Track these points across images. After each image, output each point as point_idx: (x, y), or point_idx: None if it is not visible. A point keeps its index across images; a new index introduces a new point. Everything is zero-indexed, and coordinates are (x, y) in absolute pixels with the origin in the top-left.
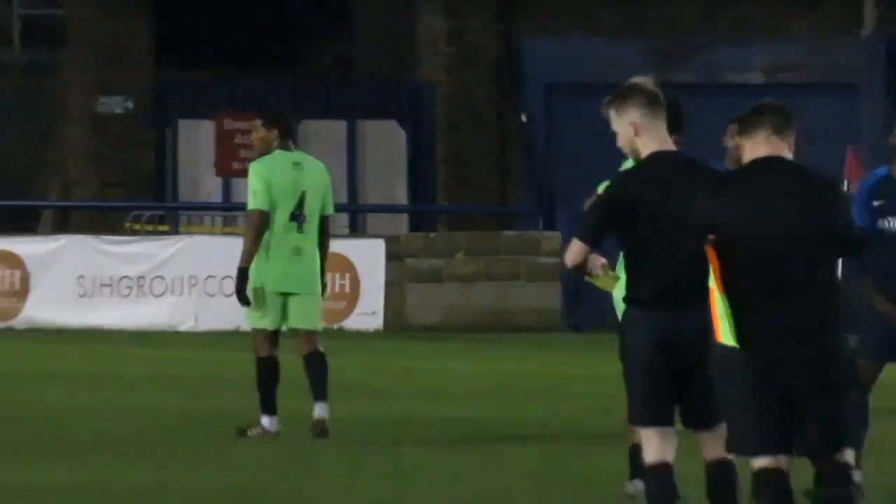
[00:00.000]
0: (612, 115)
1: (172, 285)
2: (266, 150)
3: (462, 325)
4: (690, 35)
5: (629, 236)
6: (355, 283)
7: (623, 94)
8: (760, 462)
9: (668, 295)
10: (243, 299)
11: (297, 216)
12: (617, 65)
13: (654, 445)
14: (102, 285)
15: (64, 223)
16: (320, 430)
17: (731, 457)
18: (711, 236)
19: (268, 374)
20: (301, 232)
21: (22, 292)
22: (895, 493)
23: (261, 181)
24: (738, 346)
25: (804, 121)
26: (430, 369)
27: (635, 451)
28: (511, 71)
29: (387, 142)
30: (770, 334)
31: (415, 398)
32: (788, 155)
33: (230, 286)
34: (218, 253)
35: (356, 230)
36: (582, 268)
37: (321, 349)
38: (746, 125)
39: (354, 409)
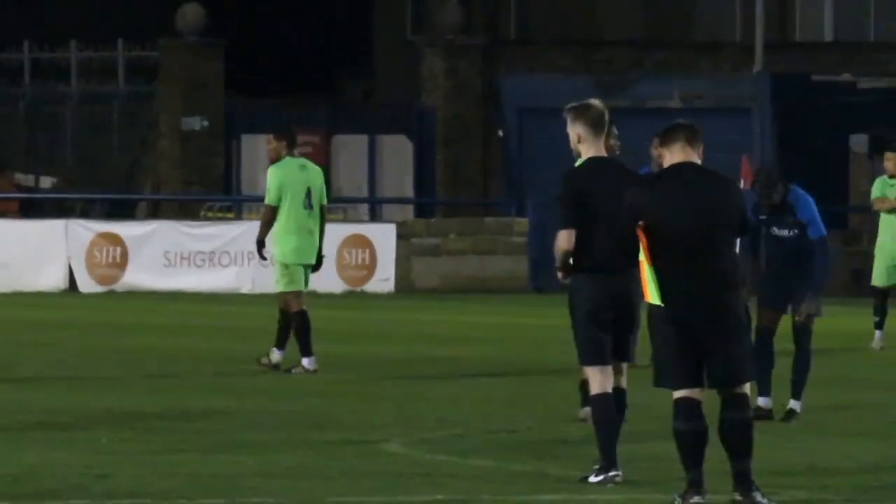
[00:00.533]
0: (568, 120)
1: (235, 258)
2: (277, 158)
3: (455, 288)
4: (624, 72)
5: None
6: (373, 256)
7: (578, 109)
8: (679, 393)
9: (606, 263)
10: (261, 256)
11: (308, 205)
12: (570, 94)
13: (598, 380)
14: (183, 258)
15: (155, 211)
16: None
17: (624, 386)
18: (641, 222)
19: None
20: (310, 217)
21: (122, 264)
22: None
23: (276, 181)
24: (661, 304)
25: (710, 136)
26: (430, 321)
27: (584, 385)
28: (492, 99)
29: (399, 151)
30: (685, 294)
31: (419, 343)
32: (698, 161)
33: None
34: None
35: (375, 217)
36: (570, 253)
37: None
38: (666, 138)
39: (373, 352)
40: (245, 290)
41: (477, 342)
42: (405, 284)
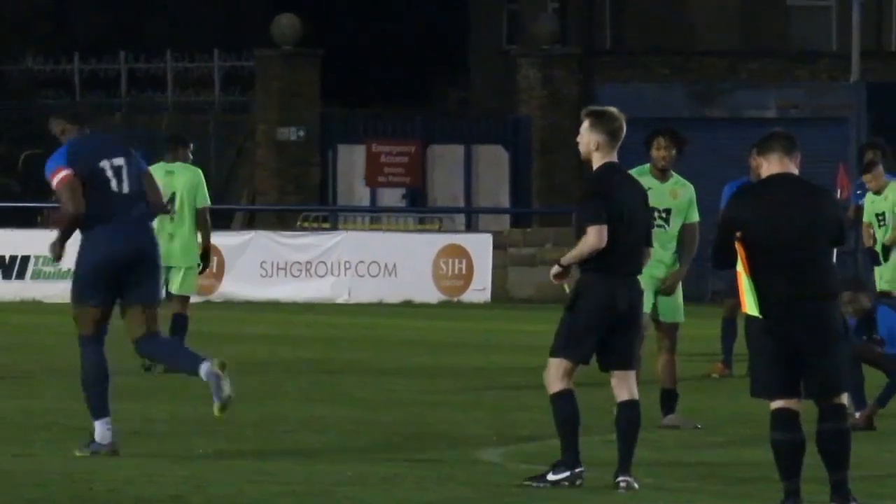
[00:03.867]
0: (586, 124)
1: (332, 268)
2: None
3: (551, 298)
4: (721, 81)
5: None
6: (470, 266)
7: (598, 116)
8: (776, 404)
9: (620, 267)
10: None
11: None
12: (665, 103)
13: (566, 376)
14: (279, 268)
15: (251, 221)
16: None
17: (637, 396)
18: (738, 233)
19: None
20: (171, 221)
21: (218, 274)
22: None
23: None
24: (759, 316)
25: (806, 146)
26: (526, 331)
27: (665, 394)
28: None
29: (495, 161)
30: (782, 305)
31: (515, 353)
32: (795, 171)
33: (376, 269)
34: (366, 244)
35: (471, 227)
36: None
37: None
38: (763, 148)
39: (469, 362)
40: (341, 299)
41: None
42: (501, 294)
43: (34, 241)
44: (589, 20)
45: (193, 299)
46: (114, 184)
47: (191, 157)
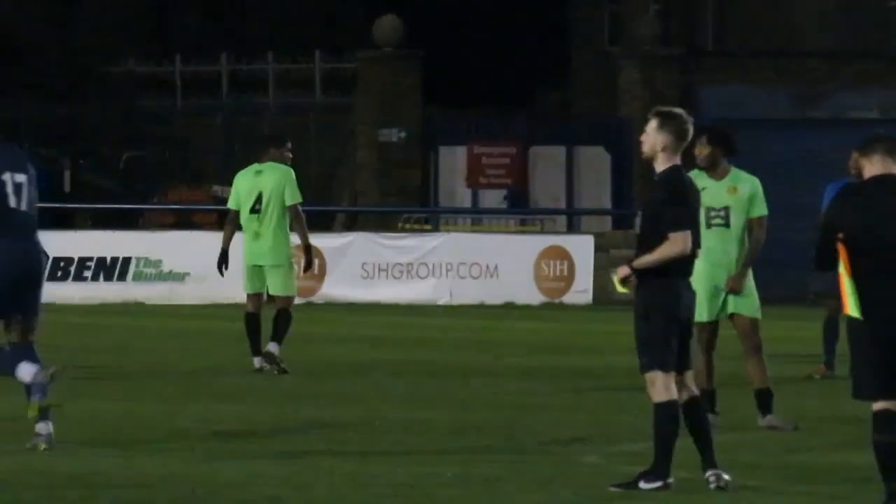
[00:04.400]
0: (653, 124)
1: (433, 270)
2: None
3: None
4: (822, 83)
5: None
6: (571, 268)
7: (667, 117)
8: (878, 405)
9: (689, 270)
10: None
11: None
12: (766, 105)
13: (667, 386)
14: (381, 270)
15: (352, 223)
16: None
17: (697, 392)
18: (840, 234)
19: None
20: (257, 220)
21: (320, 276)
22: None
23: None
24: (860, 317)
25: None
26: (628, 333)
27: (760, 394)
28: (688, 110)
29: (596, 162)
30: (884, 306)
31: (617, 354)
32: None
33: (477, 271)
34: (467, 245)
35: (572, 228)
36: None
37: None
38: (865, 150)
39: (571, 363)
40: (442, 301)
41: None
42: (603, 296)
43: (135, 243)
44: (691, 21)
45: (296, 301)
46: (12, 200)
47: (289, 156)
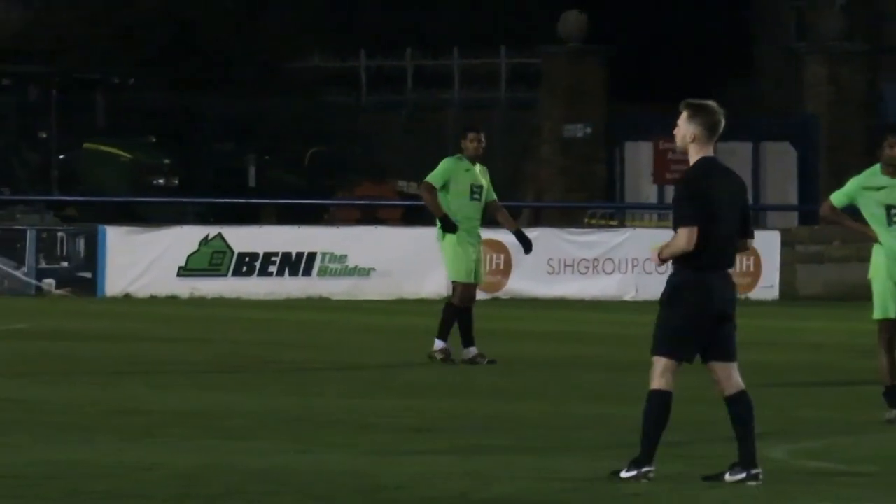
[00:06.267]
0: (683, 116)
1: (619, 265)
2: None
3: (838, 296)
4: None
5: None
6: (758, 264)
7: (696, 108)
8: None
9: (717, 263)
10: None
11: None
12: None
13: (665, 375)
14: (566, 265)
15: (537, 218)
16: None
17: (743, 386)
18: None
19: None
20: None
21: (505, 271)
22: None
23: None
24: None
25: None
26: (814, 329)
27: (889, 391)
28: (874, 106)
29: (783, 158)
30: None
31: (800, 350)
32: None
33: (663, 266)
34: (653, 241)
35: (759, 224)
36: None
37: None
38: None
39: (757, 359)
40: (628, 297)
41: (858, 351)
42: (789, 291)
43: (320, 238)
44: (877, 17)
45: (480, 296)
46: None
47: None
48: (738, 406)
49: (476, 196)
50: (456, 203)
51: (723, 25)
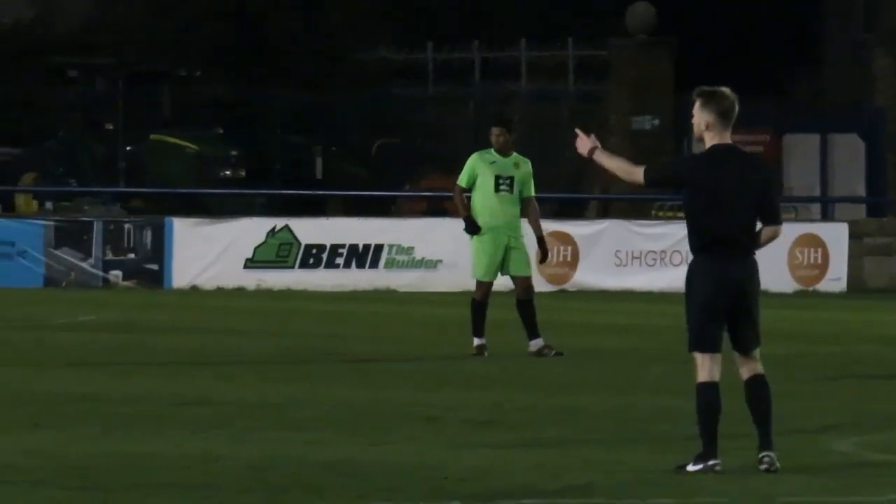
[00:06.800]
0: (697, 104)
1: (686, 257)
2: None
3: None
4: None
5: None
6: (825, 256)
7: (709, 95)
8: None
9: (725, 250)
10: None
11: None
12: None
13: (704, 367)
14: (633, 258)
15: (605, 210)
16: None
17: (762, 371)
18: None
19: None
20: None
21: (573, 263)
22: None
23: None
24: None
25: None
26: (882, 321)
27: None
28: None
29: (851, 150)
30: None
31: (868, 342)
32: None
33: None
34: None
35: (826, 216)
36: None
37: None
38: None
39: (824, 351)
40: None
41: None
42: (857, 284)
43: (387, 230)
44: None
45: (548, 288)
46: None
47: (498, 139)
48: (757, 391)
49: (503, 188)
50: (480, 197)
51: (791, 17)
